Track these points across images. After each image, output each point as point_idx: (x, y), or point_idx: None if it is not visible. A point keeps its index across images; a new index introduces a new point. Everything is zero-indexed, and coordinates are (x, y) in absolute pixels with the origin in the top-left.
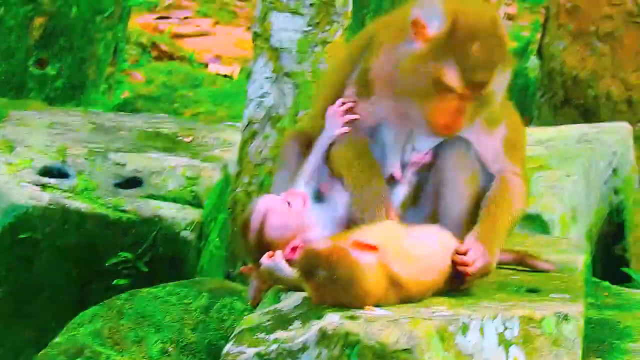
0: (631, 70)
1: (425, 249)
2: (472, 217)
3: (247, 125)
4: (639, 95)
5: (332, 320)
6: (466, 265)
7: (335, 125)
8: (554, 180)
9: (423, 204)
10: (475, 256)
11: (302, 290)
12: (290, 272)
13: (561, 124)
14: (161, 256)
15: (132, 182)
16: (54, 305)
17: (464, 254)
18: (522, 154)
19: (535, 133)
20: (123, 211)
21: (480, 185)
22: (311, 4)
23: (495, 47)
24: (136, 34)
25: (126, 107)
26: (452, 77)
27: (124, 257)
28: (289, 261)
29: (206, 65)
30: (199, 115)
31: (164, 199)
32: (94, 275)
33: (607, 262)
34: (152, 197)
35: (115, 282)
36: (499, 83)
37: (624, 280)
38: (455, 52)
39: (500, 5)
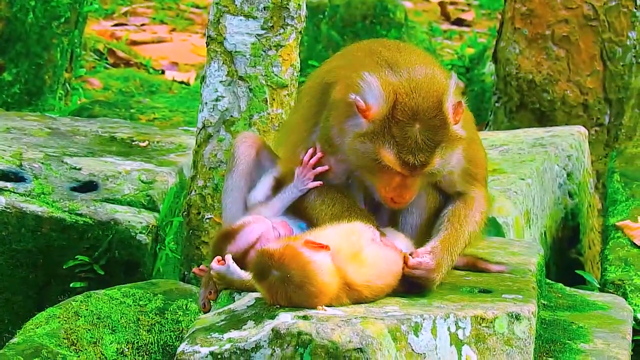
0: (586, 74)
1: (381, 254)
2: (429, 230)
3: (202, 128)
4: (594, 99)
5: (285, 319)
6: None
7: (306, 178)
8: (508, 184)
9: (383, 215)
10: (419, 264)
11: (254, 291)
12: (242, 275)
13: (517, 128)
14: (117, 259)
15: (88, 186)
16: (11, 308)
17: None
18: (481, 176)
19: (490, 137)
20: (79, 215)
21: (440, 200)
22: (265, 8)
23: (436, 129)
24: (93, 41)
25: (83, 112)
26: (389, 158)
27: (81, 260)
28: (241, 264)
29: (162, 72)
30: (154, 121)
31: (119, 202)
32: (51, 278)
33: (562, 265)
34: (107, 201)
35: (72, 285)
36: (446, 157)
37: (579, 284)
38: (393, 134)
39: (452, 82)
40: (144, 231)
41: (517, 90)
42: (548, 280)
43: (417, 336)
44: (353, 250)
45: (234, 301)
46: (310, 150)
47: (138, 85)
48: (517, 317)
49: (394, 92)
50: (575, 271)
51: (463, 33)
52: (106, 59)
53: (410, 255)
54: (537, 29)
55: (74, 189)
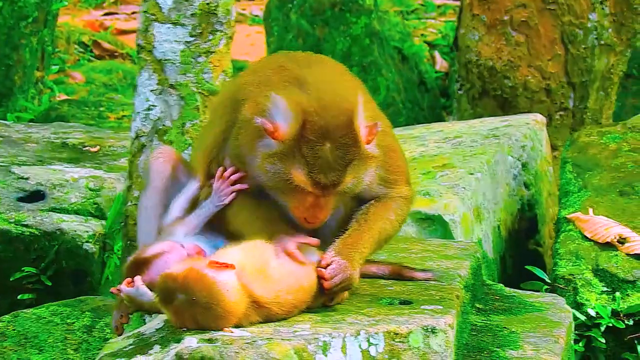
0: (547, 59)
1: (287, 267)
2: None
3: (135, 138)
4: (557, 84)
5: (190, 343)
6: (325, 279)
7: (223, 194)
8: (456, 179)
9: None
10: (334, 270)
11: (163, 312)
12: (151, 297)
13: (480, 115)
14: (65, 270)
15: (35, 196)
16: None
17: (325, 267)
18: (400, 178)
19: (445, 129)
20: (25, 226)
21: (356, 205)
22: (192, 14)
23: (347, 147)
24: (78, 33)
25: (51, 112)
26: (301, 178)
27: (28, 271)
28: (149, 286)
29: None
30: (123, 119)
31: (66, 211)
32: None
33: (521, 257)
34: (54, 210)
35: (20, 297)
36: (359, 176)
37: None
38: (304, 154)
39: (360, 99)
40: (90, 240)
41: (479, 77)
42: (488, 281)
43: (326, 355)
44: (258, 266)
45: (145, 323)
46: (229, 167)
47: (121, 77)
48: (433, 331)
49: (302, 112)
50: (526, 266)
51: (457, 8)
52: (91, 51)
53: (318, 264)
54: (495, 15)
55: (20, 199)
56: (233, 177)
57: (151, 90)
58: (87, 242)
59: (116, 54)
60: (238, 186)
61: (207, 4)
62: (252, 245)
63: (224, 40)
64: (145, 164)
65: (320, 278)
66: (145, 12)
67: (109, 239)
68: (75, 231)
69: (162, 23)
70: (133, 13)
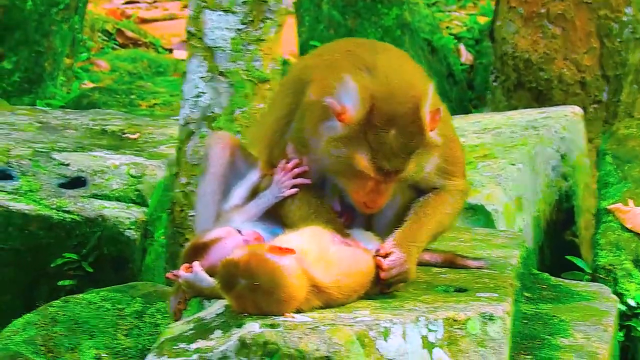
0: (583, 52)
1: (347, 253)
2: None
3: (184, 125)
4: (592, 77)
5: (252, 328)
6: (382, 269)
7: (284, 186)
8: (498, 170)
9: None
10: (393, 262)
11: (223, 298)
12: (211, 282)
13: (515, 107)
14: (106, 256)
15: (76, 182)
16: (0, 307)
17: (384, 256)
18: (458, 171)
19: (483, 120)
20: (67, 212)
21: (414, 198)
22: (244, 2)
23: (412, 135)
24: (101, 22)
25: (82, 100)
26: (364, 163)
27: (69, 258)
28: (207, 271)
29: (171, 51)
30: (154, 107)
31: (108, 198)
32: (40, 276)
33: (558, 248)
34: (96, 197)
35: (60, 283)
36: (421, 164)
37: (573, 267)
38: (368, 139)
39: (430, 88)
40: (132, 227)
41: (514, 70)
42: (534, 271)
43: (387, 341)
44: (318, 251)
45: (204, 309)
46: (292, 154)
47: (145, 66)
48: (491, 318)
49: (371, 97)
50: (566, 257)
51: (477, 1)
52: (115, 39)
53: (376, 253)
54: (532, 8)
55: (62, 186)
56: (296, 170)
57: (201, 77)
58: (128, 229)
59: (139, 42)
60: (300, 180)
61: None
62: (311, 231)
63: (275, 29)
64: (204, 150)
65: (378, 267)
66: None
67: (151, 226)
68: (116, 218)
69: (213, 10)
70: (154, 2)
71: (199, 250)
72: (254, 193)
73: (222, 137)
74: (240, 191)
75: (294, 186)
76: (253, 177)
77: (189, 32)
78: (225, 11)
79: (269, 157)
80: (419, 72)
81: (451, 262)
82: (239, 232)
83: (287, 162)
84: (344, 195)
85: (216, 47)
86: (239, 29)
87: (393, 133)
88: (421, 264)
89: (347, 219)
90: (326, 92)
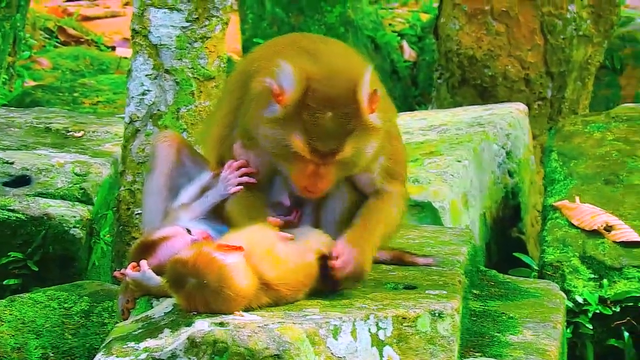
0: (527, 49)
1: (292, 248)
2: (349, 223)
3: (129, 123)
4: (536, 74)
5: (201, 327)
6: (335, 269)
7: (229, 184)
8: (444, 167)
9: (306, 212)
10: (346, 262)
11: (171, 296)
12: (158, 281)
13: (460, 104)
14: (52, 255)
15: (20, 181)
16: None
17: (336, 257)
18: (400, 173)
19: (429, 117)
20: (11, 210)
21: (359, 199)
22: (189, 0)
23: (349, 117)
24: (43, 19)
25: (25, 98)
26: (299, 145)
27: (14, 257)
28: (155, 270)
29: (114, 49)
30: (98, 105)
31: (53, 196)
32: None
33: (504, 245)
34: (41, 195)
35: (5, 282)
36: (360, 147)
37: (520, 264)
38: (304, 120)
39: (368, 71)
40: (77, 225)
41: (459, 66)
42: (482, 268)
43: (337, 339)
44: (265, 247)
45: (152, 307)
46: (239, 154)
47: (88, 63)
48: (440, 315)
49: (307, 78)
50: (514, 253)
51: None
52: (56, 37)
53: (330, 255)
54: (476, 5)
55: (6, 184)
56: (242, 170)
57: (146, 75)
58: (74, 227)
59: (82, 40)
60: (245, 179)
61: None
62: (257, 228)
63: (220, 26)
64: (151, 148)
65: (330, 270)
66: None
67: (96, 225)
68: (62, 216)
69: (158, 8)
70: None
71: (147, 249)
72: (203, 192)
73: (169, 135)
74: (190, 190)
75: (239, 184)
76: (204, 177)
77: (133, 29)
78: (170, 9)
79: (218, 155)
80: (359, 58)
81: (400, 260)
82: (188, 231)
83: (234, 162)
84: (294, 191)
85: (161, 44)
86: (184, 27)
87: (329, 115)
88: None
89: (296, 216)
90: (268, 78)
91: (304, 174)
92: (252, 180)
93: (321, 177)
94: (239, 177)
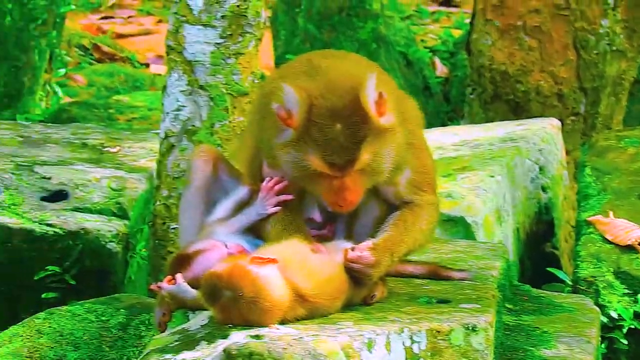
0: (560, 64)
1: (326, 260)
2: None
3: (164, 138)
4: (569, 89)
5: (237, 339)
6: (346, 259)
7: (268, 204)
8: (477, 182)
9: (339, 227)
10: (359, 258)
11: (206, 309)
12: (194, 294)
13: (492, 120)
14: (88, 269)
15: (58, 196)
16: None
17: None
18: (428, 183)
19: (461, 133)
20: (49, 225)
21: (391, 208)
22: (223, 16)
23: (356, 125)
24: (78, 37)
25: (62, 114)
26: (316, 162)
27: (52, 270)
28: (192, 283)
29: (147, 65)
30: (133, 121)
31: (89, 211)
32: (23, 289)
33: (538, 260)
34: (77, 210)
35: (44, 296)
36: (378, 151)
37: (553, 279)
38: (315, 138)
39: (370, 76)
40: (114, 239)
41: (491, 82)
42: (515, 283)
43: (371, 352)
44: (299, 260)
45: (188, 320)
46: (275, 178)
47: (122, 80)
48: (474, 329)
49: (308, 96)
50: (547, 269)
51: (451, 14)
52: (91, 54)
53: (350, 249)
54: (508, 20)
55: (43, 199)
56: (277, 187)
57: (181, 91)
58: (110, 241)
59: (116, 57)
60: (283, 197)
61: (238, 6)
62: (290, 243)
63: (254, 42)
64: (187, 163)
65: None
66: (175, 13)
67: (132, 239)
68: (98, 231)
69: (193, 25)
70: (129, 17)
71: (184, 262)
72: (240, 208)
73: (205, 150)
74: (226, 204)
75: (278, 204)
76: (240, 191)
77: (168, 46)
78: (205, 25)
79: (250, 173)
80: (362, 68)
81: (435, 274)
82: (225, 245)
83: (270, 180)
84: (325, 207)
85: (196, 61)
86: (218, 43)
87: (338, 126)
88: (404, 275)
89: (329, 230)
90: (274, 101)
91: (331, 189)
92: (289, 197)
93: (349, 190)
94: (276, 195)
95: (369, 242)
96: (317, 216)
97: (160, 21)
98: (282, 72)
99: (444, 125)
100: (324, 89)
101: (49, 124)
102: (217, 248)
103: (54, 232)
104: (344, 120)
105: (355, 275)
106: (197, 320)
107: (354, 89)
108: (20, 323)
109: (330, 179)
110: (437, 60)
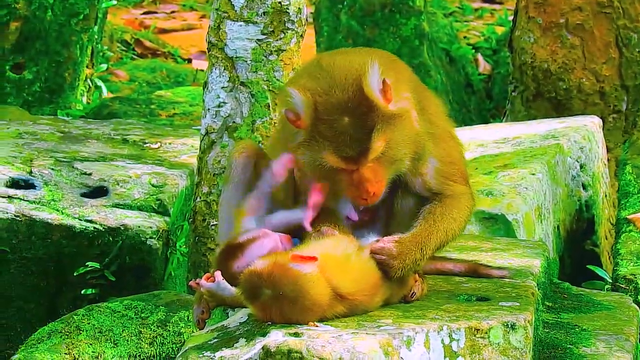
0: (602, 62)
1: (364, 258)
2: None
3: (205, 135)
4: (611, 87)
5: (276, 337)
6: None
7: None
8: (518, 179)
9: (377, 226)
10: (381, 249)
11: (246, 307)
12: (232, 291)
13: (534, 117)
14: (128, 265)
15: (98, 192)
16: (23, 316)
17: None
18: (457, 173)
19: (502, 130)
20: (89, 221)
21: (425, 201)
22: (264, 13)
23: (365, 115)
24: (120, 32)
25: (103, 109)
26: (330, 158)
27: (92, 266)
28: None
29: (190, 61)
30: (174, 117)
31: (129, 207)
32: (63, 285)
33: (578, 258)
34: (117, 206)
35: (83, 291)
36: (391, 138)
37: (593, 276)
38: (325, 135)
39: (372, 64)
40: (154, 236)
41: (533, 79)
42: (555, 280)
43: (410, 350)
44: (339, 257)
45: (227, 317)
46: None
47: (164, 76)
48: (513, 327)
49: (312, 95)
50: (587, 266)
51: (494, 11)
52: (133, 49)
53: (376, 241)
54: (551, 18)
55: (84, 195)
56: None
57: (222, 88)
58: (150, 238)
59: (158, 52)
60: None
61: (279, 2)
62: (331, 239)
63: (295, 39)
64: (228, 159)
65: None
66: (217, 9)
67: (172, 235)
68: (138, 227)
69: (234, 21)
70: (172, 12)
71: (234, 252)
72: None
73: (245, 146)
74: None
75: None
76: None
77: (209, 42)
78: (246, 22)
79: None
80: (364, 56)
81: (474, 272)
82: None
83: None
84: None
85: (237, 57)
86: (259, 40)
87: (346, 119)
88: (444, 273)
89: (366, 223)
90: (285, 107)
91: (352, 184)
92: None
93: (369, 181)
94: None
95: (395, 236)
96: (352, 215)
97: (203, 16)
98: (292, 77)
99: (486, 122)
100: (326, 85)
101: (90, 120)
102: (269, 235)
103: (94, 228)
104: (350, 113)
105: (379, 267)
106: (236, 318)
107: (356, 80)
108: (60, 319)
109: (348, 173)
110: (479, 57)
